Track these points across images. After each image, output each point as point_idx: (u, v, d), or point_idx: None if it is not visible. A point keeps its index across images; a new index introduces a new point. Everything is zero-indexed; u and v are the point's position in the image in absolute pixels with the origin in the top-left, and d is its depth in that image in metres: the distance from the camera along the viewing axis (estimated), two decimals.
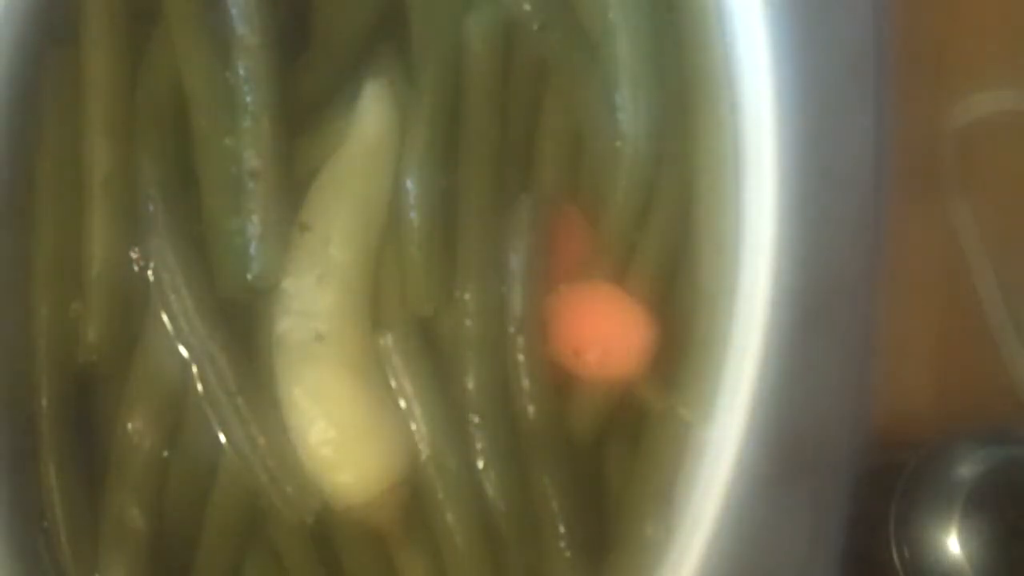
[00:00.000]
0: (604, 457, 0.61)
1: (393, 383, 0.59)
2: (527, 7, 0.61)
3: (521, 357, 0.59)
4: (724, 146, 0.60)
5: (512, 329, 0.59)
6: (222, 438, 0.58)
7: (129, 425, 0.59)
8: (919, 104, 0.81)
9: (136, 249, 0.60)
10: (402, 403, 0.59)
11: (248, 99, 0.59)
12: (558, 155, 0.62)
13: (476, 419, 0.58)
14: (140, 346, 0.59)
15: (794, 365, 0.55)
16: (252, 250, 0.59)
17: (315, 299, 0.58)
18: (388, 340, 0.59)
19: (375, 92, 0.61)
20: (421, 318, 0.59)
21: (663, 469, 0.59)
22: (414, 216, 0.59)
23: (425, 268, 0.59)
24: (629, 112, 0.61)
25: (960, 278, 0.81)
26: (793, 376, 0.55)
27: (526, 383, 0.59)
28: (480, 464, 0.58)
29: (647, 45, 0.61)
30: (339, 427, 0.57)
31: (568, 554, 0.58)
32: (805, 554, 0.55)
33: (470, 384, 0.59)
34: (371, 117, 0.60)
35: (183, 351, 0.59)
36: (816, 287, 0.56)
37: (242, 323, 0.59)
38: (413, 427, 0.58)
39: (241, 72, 0.60)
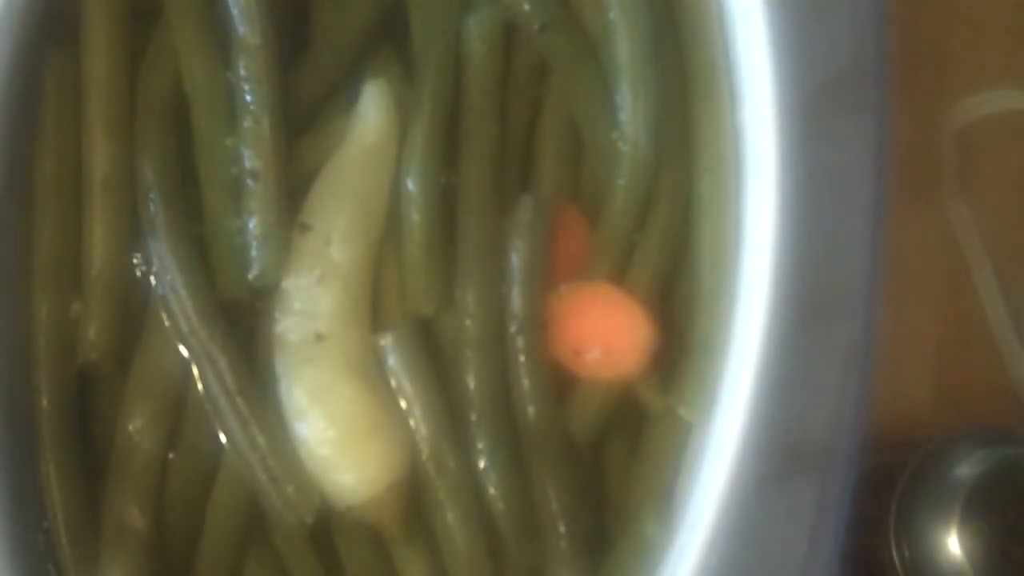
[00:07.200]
0: (604, 457, 0.61)
1: (393, 383, 0.59)
2: (527, 7, 0.61)
3: (521, 357, 0.59)
4: (724, 146, 0.60)
5: (512, 329, 0.59)
6: (222, 438, 0.58)
7: (129, 425, 0.59)
8: (919, 104, 0.81)
9: (137, 252, 0.60)
10: (402, 403, 0.59)
11: (248, 99, 0.59)
12: (558, 155, 0.62)
13: (476, 419, 0.58)
14: (140, 346, 0.59)
15: (794, 365, 0.55)
16: (252, 250, 0.59)
17: (315, 299, 0.58)
18: (388, 340, 0.59)
19: (375, 92, 0.61)
20: (421, 318, 0.59)
21: (663, 469, 0.59)
22: (414, 216, 0.59)
23: (425, 268, 0.59)
24: (629, 112, 0.61)
25: (960, 278, 0.81)
26: (793, 376, 0.55)
27: (526, 383, 0.59)
28: (480, 464, 0.58)
29: (647, 45, 0.61)
30: (339, 427, 0.57)
31: (568, 554, 0.58)
32: (805, 554, 0.55)
33: (470, 384, 0.58)
34: (371, 117, 0.61)
35: (183, 351, 0.59)
36: (816, 287, 0.56)
37: (242, 323, 0.59)
38: (413, 427, 0.58)
39: (241, 72, 0.60)
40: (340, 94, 0.62)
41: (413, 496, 0.58)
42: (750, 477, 0.55)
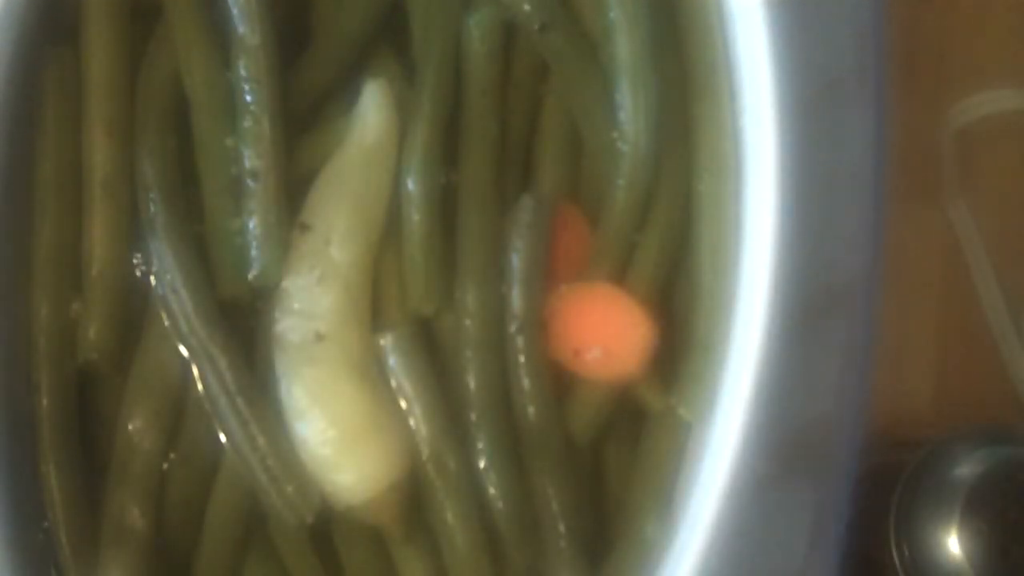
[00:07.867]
0: (604, 457, 0.61)
1: (393, 383, 0.59)
2: (527, 7, 0.61)
3: (521, 357, 0.59)
4: (724, 146, 0.60)
5: (512, 329, 0.59)
6: (222, 438, 0.58)
7: (129, 425, 0.59)
8: (919, 104, 0.81)
9: (137, 252, 0.60)
10: (402, 403, 0.59)
11: (248, 99, 0.59)
12: (558, 155, 0.62)
13: (476, 419, 0.58)
14: (140, 346, 0.59)
15: (794, 365, 0.55)
16: (252, 250, 0.59)
17: (315, 299, 0.58)
18: (388, 340, 0.59)
19: (375, 92, 0.61)
20: (421, 318, 0.59)
21: (663, 469, 0.59)
22: (414, 216, 0.59)
23: (425, 268, 0.59)
24: (629, 112, 0.61)
25: (960, 278, 0.81)
26: (793, 376, 0.55)
27: (526, 383, 0.59)
28: (480, 464, 0.58)
29: (647, 45, 0.61)
30: (339, 427, 0.57)
31: (568, 554, 0.58)
32: (805, 554, 0.55)
33: (470, 384, 0.58)
34: (371, 117, 0.61)
35: (183, 351, 0.59)
36: (816, 287, 0.56)
37: (242, 323, 0.59)
38: (413, 427, 0.58)
39: (241, 72, 0.60)
40: (340, 94, 0.62)
41: (413, 496, 0.58)
42: (750, 477, 0.55)
